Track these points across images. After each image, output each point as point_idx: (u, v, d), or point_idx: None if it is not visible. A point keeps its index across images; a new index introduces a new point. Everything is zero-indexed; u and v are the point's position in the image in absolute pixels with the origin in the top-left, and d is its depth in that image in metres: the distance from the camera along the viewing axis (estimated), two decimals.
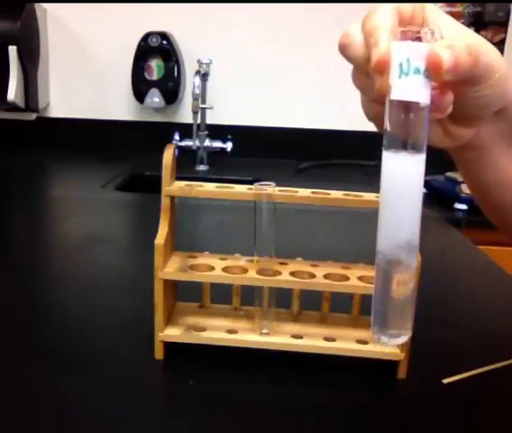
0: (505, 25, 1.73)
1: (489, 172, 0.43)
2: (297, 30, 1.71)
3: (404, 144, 0.31)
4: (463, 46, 0.32)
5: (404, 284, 0.33)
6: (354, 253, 0.89)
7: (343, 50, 0.37)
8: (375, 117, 0.39)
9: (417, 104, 0.31)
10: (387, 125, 0.32)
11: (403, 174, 0.32)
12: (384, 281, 0.33)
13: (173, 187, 0.53)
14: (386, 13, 0.34)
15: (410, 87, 0.31)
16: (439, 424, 0.47)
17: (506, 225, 0.48)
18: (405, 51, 0.30)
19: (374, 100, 0.37)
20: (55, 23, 1.70)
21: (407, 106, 0.31)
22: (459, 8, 1.72)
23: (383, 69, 0.32)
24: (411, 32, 0.31)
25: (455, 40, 0.33)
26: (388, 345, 0.35)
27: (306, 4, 1.67)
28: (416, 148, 0.31)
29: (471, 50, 0.33)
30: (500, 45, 1.74)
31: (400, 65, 0.30)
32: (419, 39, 0.30)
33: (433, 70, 0.31)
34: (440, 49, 0.31)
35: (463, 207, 1.34)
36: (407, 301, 0.33)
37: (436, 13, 0.36)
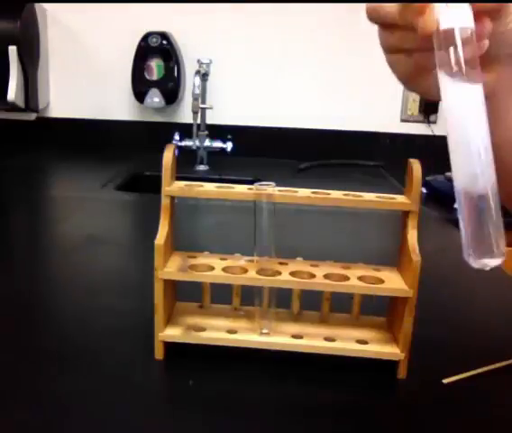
0: None
1: (503, 130, 0.43)
2: (298, 30, 1.71)
3: (460, 75, 0.33)
4: None
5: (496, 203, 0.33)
6: (354, 253, 0.89)
7: (374, 12, 0.38)
8: (409, 73, 0.40)
9: (466, 29, 0.33)
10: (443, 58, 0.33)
11: (465, 102, 0.33)
12: (479, 209, 0.33)
13: (173, 187, 0.53)
14: None
15: (457, 15, 0.33)
16: (439, 424, 0.47)
17: None
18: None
19: (413, 49, 0.38)
20: (55, 23, 1.70)
21: (455, 34, 0.33)
22: None
23: (425, 7, 0.34)
24: None
25: None
26: (492, 264, 0.35)
27: (306, 5, 1.67)
28: (471, 76, 0.33)
29: None
30: None
31: None
32: None
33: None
34: None
35: None
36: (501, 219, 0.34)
37: None
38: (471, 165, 0.33)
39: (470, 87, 0.33)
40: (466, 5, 0.33)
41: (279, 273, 0.53)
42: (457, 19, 0.33)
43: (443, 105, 0.34)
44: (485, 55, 0.37)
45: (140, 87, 1.65)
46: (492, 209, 0.33)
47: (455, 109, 0.33)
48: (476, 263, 0.35)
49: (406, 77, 0.41)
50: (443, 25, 0.33)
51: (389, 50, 0.41)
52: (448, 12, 0.33)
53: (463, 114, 0.33)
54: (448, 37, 0.33)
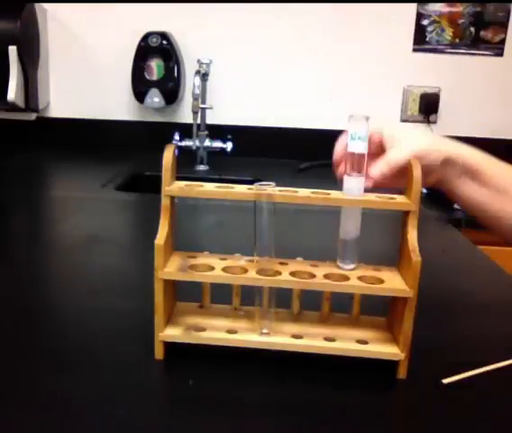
0: (505, 25, 1.73)
1: (460, 201, 0.65)
2: (298, 30, 1.71)
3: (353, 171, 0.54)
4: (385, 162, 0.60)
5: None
6: None
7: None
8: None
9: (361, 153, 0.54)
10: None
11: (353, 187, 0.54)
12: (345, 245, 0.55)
13: (173, 187, 0.53)
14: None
15: (356, 145, 0.53)
16: (439, 424, 0.47)
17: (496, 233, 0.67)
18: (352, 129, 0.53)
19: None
20: (55, 23, 1.70)
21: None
22: (459, 8, 1.72)
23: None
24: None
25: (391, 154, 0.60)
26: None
27: (306, 5, 1.67)
28: (359, 173, 0.54)
29: (391, 163, 0.59)
30: (500, 45, 1.74)
31: (351, 135, 0.53)
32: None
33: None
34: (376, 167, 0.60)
35: None
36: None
37: (390, 128, 0.62)
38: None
39: (358, 179, 0.53)
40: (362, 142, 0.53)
41: (279, 273, 0.53)
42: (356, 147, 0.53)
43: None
44: (426, 172, 0.59)
45: (140, 87, 1.65)
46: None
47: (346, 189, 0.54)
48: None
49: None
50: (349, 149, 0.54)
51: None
52: (351, 143, 0.53)
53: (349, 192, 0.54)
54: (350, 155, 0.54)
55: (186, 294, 0.58)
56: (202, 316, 0.57)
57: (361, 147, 0.53)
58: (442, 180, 0.64)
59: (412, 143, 0.60)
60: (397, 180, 0.59)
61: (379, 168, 0.59)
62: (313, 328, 0.55)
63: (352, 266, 0.55)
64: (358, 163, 0.53)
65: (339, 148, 0.62)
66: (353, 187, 0.53)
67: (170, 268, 0.53)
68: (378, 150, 0.62)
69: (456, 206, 1.35)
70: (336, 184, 0.55)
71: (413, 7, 1.71)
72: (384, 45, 1.71)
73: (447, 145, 0.63)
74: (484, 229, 0.68)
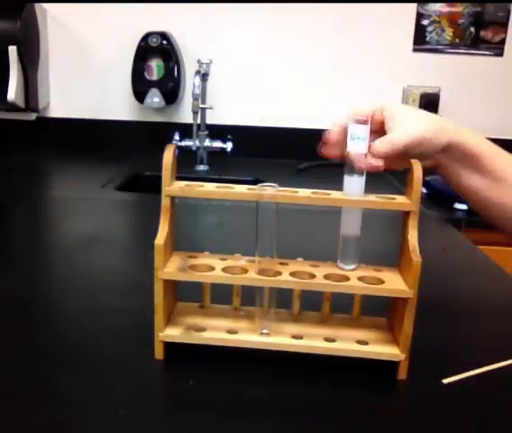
0: (505, 25, 1.73)
1: (455, 186, 0.65)
2: (297, 30, 1.71)
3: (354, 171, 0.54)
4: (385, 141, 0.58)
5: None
6: None
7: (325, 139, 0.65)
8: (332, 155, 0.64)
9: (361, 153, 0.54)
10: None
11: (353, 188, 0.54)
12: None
13: (173, 187, 0.53)
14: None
15: (356, 145, 0.54)
16: (439, 424, 0.47)
17: (494, 223, 0.66)
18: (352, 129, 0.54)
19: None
20: (55, 23, 1.70)
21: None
22: (459, 8, 1.72)
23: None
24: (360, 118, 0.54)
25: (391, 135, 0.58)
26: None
27: (306, 5, 1.67)
28: (360, 174, 0.54)
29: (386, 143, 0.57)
30: (500, 45, 1.74)
31: (351, 135, 0.54)
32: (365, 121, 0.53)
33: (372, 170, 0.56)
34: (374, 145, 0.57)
35: (463, 207, 1.34)
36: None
37: (392, 108, 0.60)
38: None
39: (358, 179, 0.53)
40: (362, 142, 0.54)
41: (280, 274, 0.53)
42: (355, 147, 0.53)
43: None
44: (426, 156, 0.60)
45: (140, 87, 1.65)
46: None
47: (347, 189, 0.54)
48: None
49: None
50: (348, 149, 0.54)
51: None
52: (351, 143, 0.54)
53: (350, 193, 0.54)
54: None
55: (186, 294, 0.58)
56: (202, 316, 0.57)
57: (361, 147, 0.53)
58: (440, 165, 0.63)
59: (415, 127, 0.59)
60: (395, 163, 0.59)
61: (383, 147, 0.57)
62: (313, 329, 0.55)
63: (352, 266, 0.55)
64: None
65: (336, 129, 0.62)
66: (354, 187, 0.53)
67: (170, 268, 0.53)
68: (377, 128, 0.60)
69: (456, 206, 1.35)
70: (336, 184, 0.55)
71: (413, 7, 1.71)
72: (384, 45, 1.71)
73: (449, 130, 0.61)
74: (480, 216, 0.67)
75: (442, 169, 0.64)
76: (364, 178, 0.54)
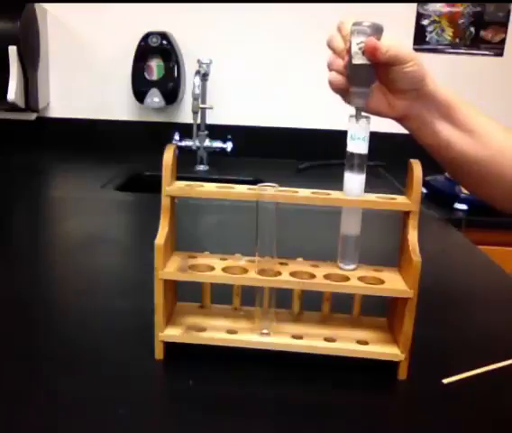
0: (505, 25, 1.73)
1: (429, 137, 0.62)
2: (297, 30, 1.71)
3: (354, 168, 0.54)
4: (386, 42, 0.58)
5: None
6: None
7: (330, 42, 0.61)
8: (338, 88, 0.60)
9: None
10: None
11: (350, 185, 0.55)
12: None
13: (173, 187, 0.53)
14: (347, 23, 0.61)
15: (356, 145, 0.55)
16: (439, 424, 0.47)
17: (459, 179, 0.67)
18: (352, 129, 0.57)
19: (341, 73, 0.59)
20: (55, 23, 1.70)
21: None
22: (459, 8, 1.72)
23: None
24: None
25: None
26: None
27: (306, 5, 1.67)
28: (360, 171, 0.54)
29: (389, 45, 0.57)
30: (500, 45, 1.73)
31: (351, 135, 0.57)
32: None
33: (369, 50, 0.56)
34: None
35: (463, 207, 1.34)
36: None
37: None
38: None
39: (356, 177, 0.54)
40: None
41: (280, 273, 0.53)
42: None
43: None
44: (396, 89, 0.60)
45: (140, 87, 1.65)
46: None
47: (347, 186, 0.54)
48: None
49: (334, 89, 0.61)
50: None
51: (331, 67, 0.60)
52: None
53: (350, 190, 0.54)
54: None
55: (186, 294, 0.58)
56: (202, 316, 0.57)
57: (361, 147, 0.53)
58: (410, 115, 0.61)
59: (408, 48, 0.61)
60: (379, 100, 0.61)
61: (387, 44, 0.57)
62: (313, 329, 0.55)
63: (352, 266, 0.55)
64: (358, 163, 0.53)
65: (339, 38, 0.62)
66: (354, 187, 0.53)
67: (170, 268, 0.53)
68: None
69: (456, 206, 1.35)
70: (336, 184, 0.55)
71: (413, 7, 1.71)
72: None
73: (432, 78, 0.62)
74: (468, 190, 0.67)
75: (412, 119, 0.61)
76: (364, 175, 0.54)
